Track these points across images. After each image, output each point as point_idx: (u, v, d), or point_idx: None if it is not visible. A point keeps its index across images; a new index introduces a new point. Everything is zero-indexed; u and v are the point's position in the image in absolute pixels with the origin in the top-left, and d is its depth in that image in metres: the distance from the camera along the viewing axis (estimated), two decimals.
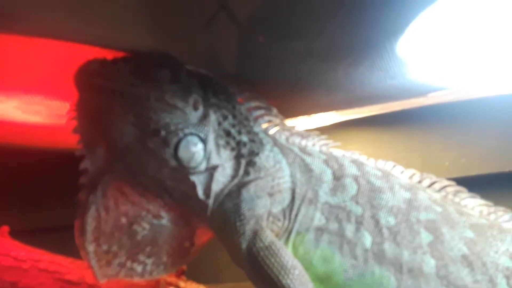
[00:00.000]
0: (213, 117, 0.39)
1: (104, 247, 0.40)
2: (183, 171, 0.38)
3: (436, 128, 0.63)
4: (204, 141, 0.38)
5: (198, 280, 0.55)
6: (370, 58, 0.44)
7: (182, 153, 0.37)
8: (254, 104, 0.43)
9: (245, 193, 0.38)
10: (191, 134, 0.38)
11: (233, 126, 0.40)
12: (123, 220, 0.40)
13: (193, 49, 0.45)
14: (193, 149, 0.38)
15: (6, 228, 0.56)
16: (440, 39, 0.44)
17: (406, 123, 0.64)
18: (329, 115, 0.59)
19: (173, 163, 0.38)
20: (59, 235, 0.58)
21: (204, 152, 0.38)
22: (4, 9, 0.36)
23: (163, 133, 0.37)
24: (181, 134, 0.37)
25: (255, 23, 0.44)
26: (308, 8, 0.38)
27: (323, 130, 0.47)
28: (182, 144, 0.37)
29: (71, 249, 0.50)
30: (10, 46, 0.43)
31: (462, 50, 0.45)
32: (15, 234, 0.60)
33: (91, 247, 0.39)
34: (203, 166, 0.38)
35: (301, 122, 0.57)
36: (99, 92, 0.38)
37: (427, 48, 0.45)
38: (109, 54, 0.40)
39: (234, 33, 0.45)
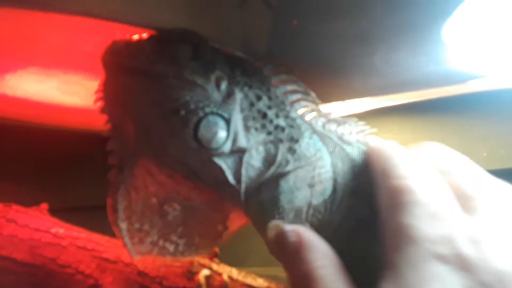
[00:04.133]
0: (239, 95, 0.36)
1: (136, 225, 0.39)
2: (206, 153, 0.35)
3: (474, 117, 0.59)
4: (227, 121, 0.35)
5: (225, 263, 0.55)
6: (413, 42, 0.41)
7: (202, 133, 0.35)
8: (290, 87, 0.40)
9: (284, 184, 0.35)
10: (212, 113, 0.35)
11: (269, 108, 0.37)
12: (153, 200, 0.39)
13: (227, 31, 0.44)
14: (214, 129, 0.35)
15: (45, 206, 0.57)
16: (488, 23, 0.41)
17: (443, 111, 0.60)
18: (363, 101, 0.57)
19: (193, 144, 0.35)
20: (96, 214, 0.58)
21: (227, 133, 0.35)
22: None
23: (182, 112, 0.35)
24: (201, 113, 0.35)
25: (290, 3, 0.42)
26: None
27: (356, 117, 0.44)
28: (203, 124, 0.35)
29: (107, 229, 0.50)
30: (49, 25, 0.42)
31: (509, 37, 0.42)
32: (54, 212, 0.61)
33: (123, 225, 0.38)
34: (226, 148, 0.35)
35: (334, 108, 0.55)
36: (122, 71, 0.36)
37: (474, 32, 0.42)
38: (142, 33, 0.39)
39: (268, 14, 0.43)
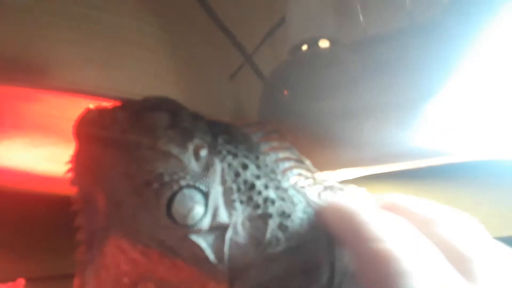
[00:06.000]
0: (219, 166, 0.33)
1: None
2: (181, 229, 0.31)
3: (466, 185, 0.59)
4: (205, 194, 0.32)
5: None
6: (402, 118, 0.42)
7: (176, 208, 0.31)
8: (282, 155, 0.36)
9: (275, 270, 0.31)
10: (188, 186, 0.31)
11: (258, 177, 0.33)
12: (126, 280, 0.34)
13: (218, 100, 0.44)
14: (190, 204, 0.31)
15: (22, 281, 0.53)
16: (474, 99, 0.42)
17: (433, 179, 0.60)
18: (354, 170, 0.57)
19: (165, 220, 0.31)
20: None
21: (205, 208, 0.31)
22: (37, 66, 0.36)
23: (155, 185, 0.31)
24: (175, 187, 0.31)
25: (282, 76, 0.43)
26: (339, 70, 0.37)
27: (346, 184, 0.44)
28: (177, 198, 0.31)
29: None
30: (36, 98, 0.42)
31: (497, 113, 0.43)
32: (33, 281, 0.58)
33: None
34: (205, 224, 0.31)
35: (326, 176, 0.55)
36: (94, 141, 0.33)
37: (460, 108, 0.43)
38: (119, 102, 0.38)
39: (259, 88, 0.44)
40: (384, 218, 0.28)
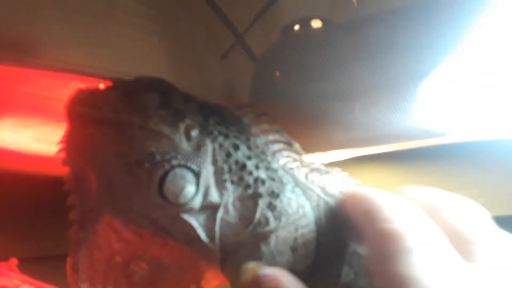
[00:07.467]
0: (210, 146, 0.33)
1: (99, 286, 0.35)
2: (173, 208, 0.32)
3: (453, 166, 0.60)
4: (197, 174, 0.32)
5: None
6: (392, 99, 0.42)
7: (168, 187, 0.31)
8: (272, 137, 0.37)
9: (264, 248, 0.32)
10: (180, 166, 0.32)
11: (249, 158, 0.34)
12: (118, 259, 0.35)
13: (210, 81, 0.44)
14: (181, 183, 0.31)
15: (14, 261, 0.54)
16: (463, 81, 0.42)
17: (422, 160, 0.61)
18: (345, 151, 0.57)
19: (157, 199, 0.31)
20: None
21: (197, 187, 0.32)
22: (26, 45, 0.35)
23: (147, 164, 0.31)
24: (167, 166, 0.31)
25: (273, 56, 0.43)
26: (331, 51, 0.37)
27: (337, 165, 0.44)
28: (169, 177, 0.31)
29: None
30: (26, 78, 0.42)
31: (486, 95, 0.44)
32: (25, 261, 0.58)
33: (84, 286, 0.34)
34: (196, 204, 0.32)
35: (316, 158, 0.55)
36: (86, 121, 0.33)
37: (450, 90, 0.43)
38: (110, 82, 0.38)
39: (251, 66, 0.44)
40: (396, 202, 0.30)
